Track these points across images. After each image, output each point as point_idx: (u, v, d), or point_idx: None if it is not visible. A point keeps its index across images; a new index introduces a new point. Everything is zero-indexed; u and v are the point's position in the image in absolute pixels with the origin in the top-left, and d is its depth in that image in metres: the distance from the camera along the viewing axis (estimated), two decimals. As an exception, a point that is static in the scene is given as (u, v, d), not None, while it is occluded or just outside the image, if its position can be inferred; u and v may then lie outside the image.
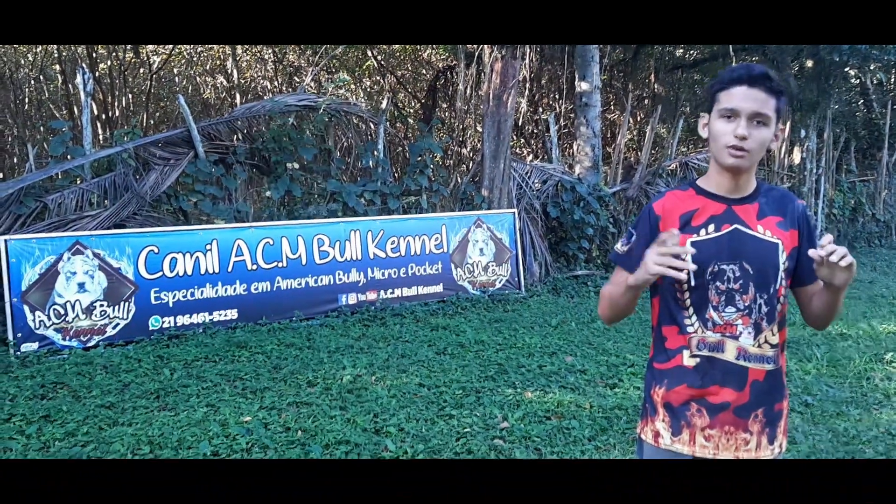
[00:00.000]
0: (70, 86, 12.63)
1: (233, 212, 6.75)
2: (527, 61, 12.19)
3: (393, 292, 7.06)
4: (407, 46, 14.61)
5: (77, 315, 5.40)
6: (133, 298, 5.65)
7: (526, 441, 3.75)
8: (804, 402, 4.42)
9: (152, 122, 14.36)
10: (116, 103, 13.67)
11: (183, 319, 5.88)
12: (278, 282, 6.37)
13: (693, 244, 1.70)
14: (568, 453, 3.61)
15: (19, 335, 5.16)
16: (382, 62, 15.05)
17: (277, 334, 5.85)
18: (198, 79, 15.71)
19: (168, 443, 3.60)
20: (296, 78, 14.37)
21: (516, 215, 8.10)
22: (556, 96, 14.10)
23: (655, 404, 1.80)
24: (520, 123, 12.86)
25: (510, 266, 7.92)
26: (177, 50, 14.47)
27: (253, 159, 7.40)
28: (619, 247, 1.83)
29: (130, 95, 14.54)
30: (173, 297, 5.83)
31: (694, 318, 1.73)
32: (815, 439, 3.83)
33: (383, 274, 7.01)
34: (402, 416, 4.05)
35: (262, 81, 15.19)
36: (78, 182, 6.31)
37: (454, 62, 12.88)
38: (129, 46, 13.16)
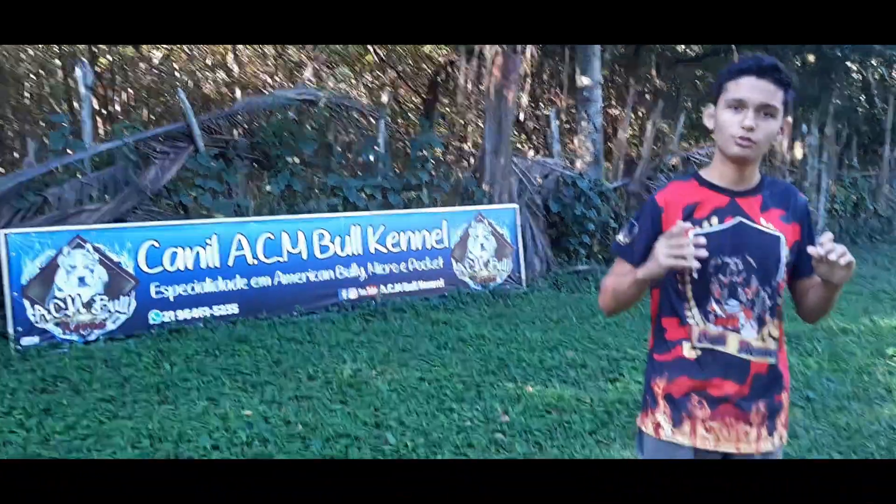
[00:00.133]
0: (70, 80, 12.60)
1: (233, 206, 6.74)
2: (528, 56, 12.15)
3: (394, 287, 7.04)
4: (407, 43, 14.58)
5: (77, 309, 5.40)
6: (133, 293, 5.64)
7: (526, 435, 3.75)
8: (805, 396, 4.40)
9: (153, 116, 14.35)
10: (117, 98, 13.65)
11: (183, 314, 5.87)
12: (279, 276, 6.36)
13: (697, 237, 1.68)
14: (568, 447, 3.60)
15: (19, 329, 5.16)
16: (383, 57, 15.01)
17: (278, 329, 5.84)
18: (198, 73, 15.69)
19: (168, 436, 3.59)
20: (296, 72, 14.35)
21: (517, 210, 8.08)
22: (558, 91, 14.07)
23: (656, 396, 1.79)
24: (521, 118, 12.84)
25: (511, 261, 7.91)
26: (177, 45, 14.45)
27: (253, 154, 7.39)
28: (621, 238, 1.81)
29: (131, 90, 14.52)
30: (174, 292, 5.83)
31: (695, 310, 1.72)
32: (816, 434, 3.83)
33: (384, 269, 7.00)
34: (403, 409, 4.04)
35: (262, 76, 15.17)
36: (78, 176, 6.30)
37: (455, 57, 12.85)
38: (129, 41, 13.13)
